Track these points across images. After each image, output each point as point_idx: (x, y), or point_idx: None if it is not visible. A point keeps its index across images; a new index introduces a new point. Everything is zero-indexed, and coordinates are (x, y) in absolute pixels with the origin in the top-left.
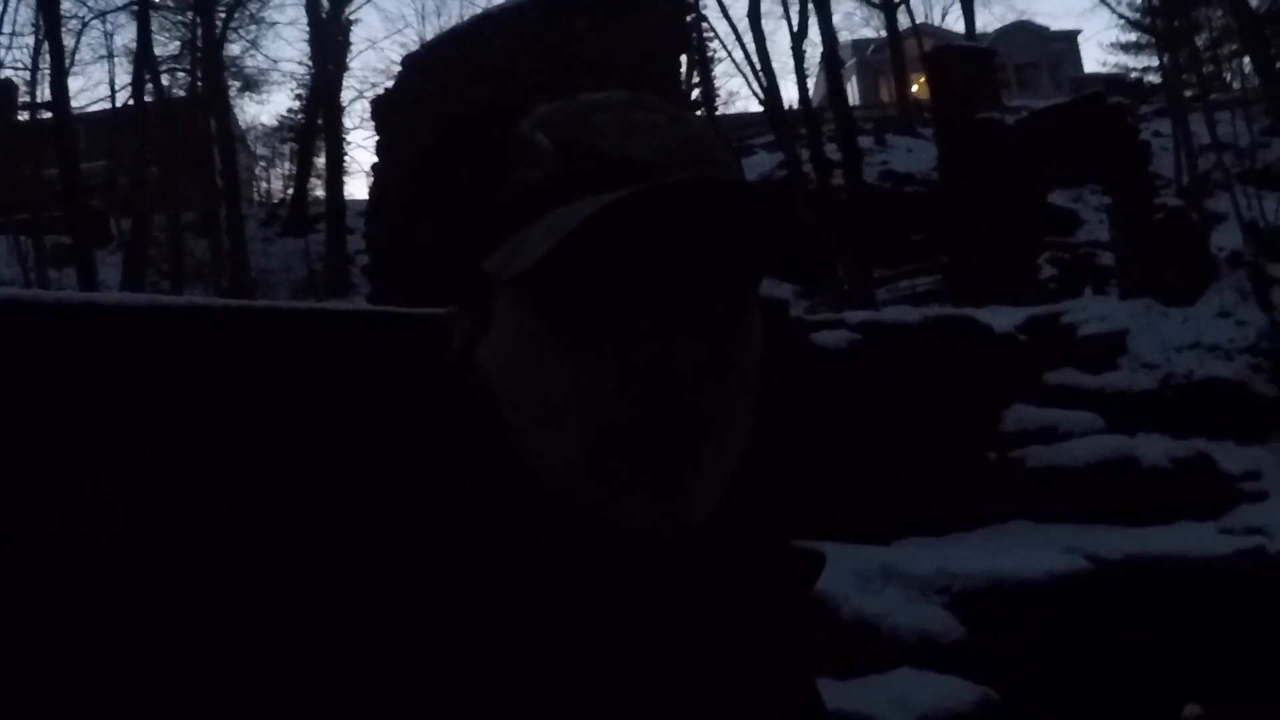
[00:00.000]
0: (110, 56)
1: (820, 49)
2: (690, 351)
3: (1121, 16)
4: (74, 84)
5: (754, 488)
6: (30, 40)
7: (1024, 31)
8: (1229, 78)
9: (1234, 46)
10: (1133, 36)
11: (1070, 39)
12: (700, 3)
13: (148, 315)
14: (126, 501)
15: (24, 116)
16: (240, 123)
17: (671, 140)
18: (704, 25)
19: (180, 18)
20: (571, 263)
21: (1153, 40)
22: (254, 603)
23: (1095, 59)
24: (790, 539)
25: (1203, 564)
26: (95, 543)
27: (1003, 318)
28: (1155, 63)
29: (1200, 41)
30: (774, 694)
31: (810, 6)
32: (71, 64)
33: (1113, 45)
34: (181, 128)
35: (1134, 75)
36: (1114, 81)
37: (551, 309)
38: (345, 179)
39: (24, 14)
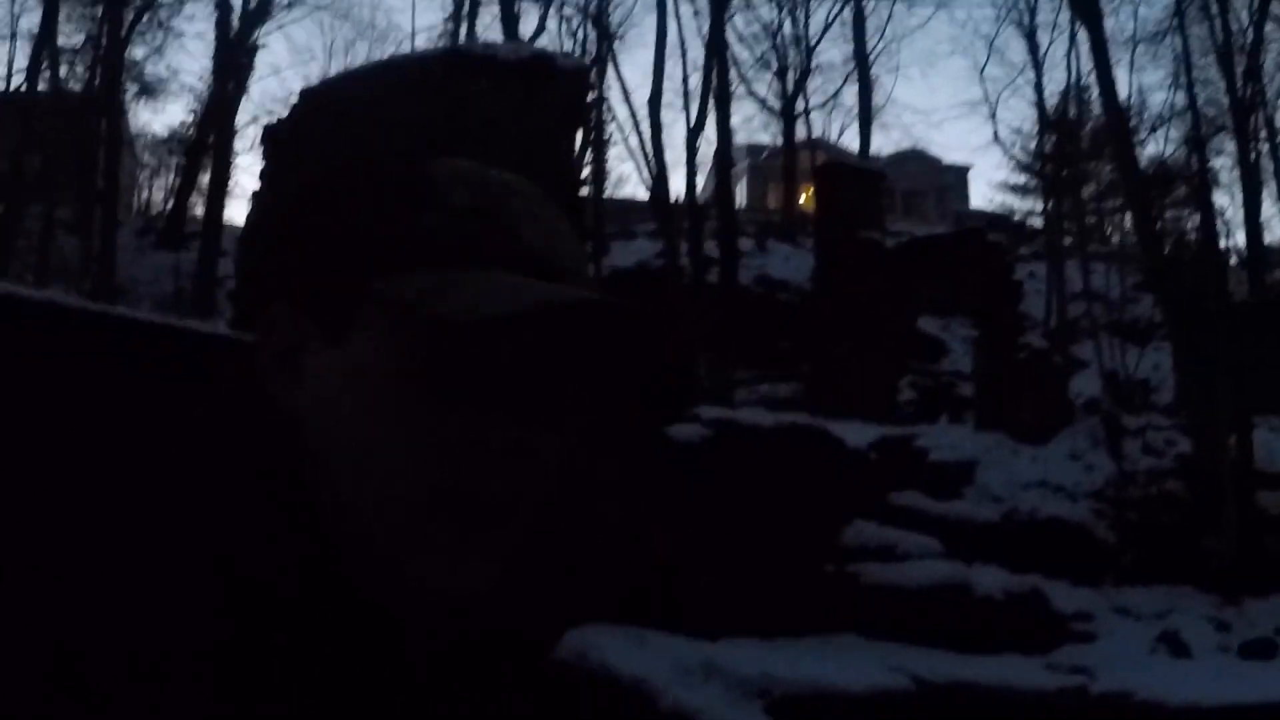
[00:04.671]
0: (13, 37)
1: (714, 146)
2: (543, 445)
3: (1013, 158)
4: None
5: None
6: None
7: (917, 160)
8: (1109, 231)
9: (1117, 202)
10: (1022, 179)
11: (961, 173)
12: (604, 84)
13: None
14: None
15: None
16: (131, 127)
17: (568, 244)
18: (604, 106)
19: (88, 10)
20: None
21: (1040, 185)
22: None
23: (983, 195)
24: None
25: (1025, 697)
26: None
27: (856, 434)
28: (1040, 207)
29: (1086, 193)
30: None
31: (710, 104)
32: None
33: (1002, 185)
34: (71, 122)
35: (1018, 216)
36: (998, 219)
37: (433, 364)
38: (227, 200)
39: None
